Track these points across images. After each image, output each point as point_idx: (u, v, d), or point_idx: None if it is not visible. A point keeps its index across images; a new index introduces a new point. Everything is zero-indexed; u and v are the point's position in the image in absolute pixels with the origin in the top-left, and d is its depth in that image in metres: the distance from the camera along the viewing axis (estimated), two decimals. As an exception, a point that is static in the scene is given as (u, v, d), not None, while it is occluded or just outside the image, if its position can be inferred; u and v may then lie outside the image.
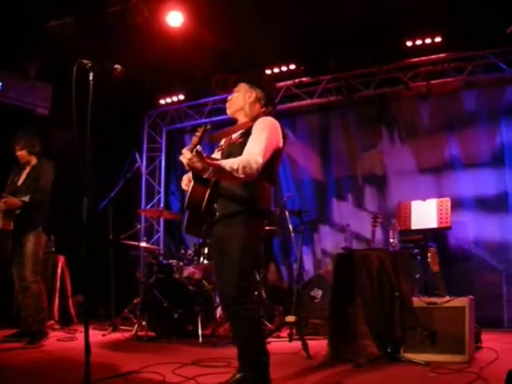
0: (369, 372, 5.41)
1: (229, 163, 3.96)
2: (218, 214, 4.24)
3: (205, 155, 3.92)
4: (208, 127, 3.98)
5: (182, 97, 11.12)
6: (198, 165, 3.88)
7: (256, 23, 8.02)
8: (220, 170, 3.93)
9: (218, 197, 4.22)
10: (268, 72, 9.69)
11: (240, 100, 4.53)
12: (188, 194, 4.18)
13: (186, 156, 3.88)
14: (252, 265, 4.33)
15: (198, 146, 3.85)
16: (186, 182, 4.37)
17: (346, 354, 5.87)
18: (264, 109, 4.52)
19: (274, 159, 4.31)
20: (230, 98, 4.62)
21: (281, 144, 4.35)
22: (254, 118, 4.41)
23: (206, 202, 4.11)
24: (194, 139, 3.89)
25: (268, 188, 4.38)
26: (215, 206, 4.23)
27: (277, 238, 9.58)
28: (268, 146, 4.15)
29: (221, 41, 8.21)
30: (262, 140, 4.15)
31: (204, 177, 3.95)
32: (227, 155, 4.29)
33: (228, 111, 4.63)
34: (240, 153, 4.14)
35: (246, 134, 4.30)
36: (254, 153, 4.07)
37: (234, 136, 4.46)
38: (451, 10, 7.83)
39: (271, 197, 4.44)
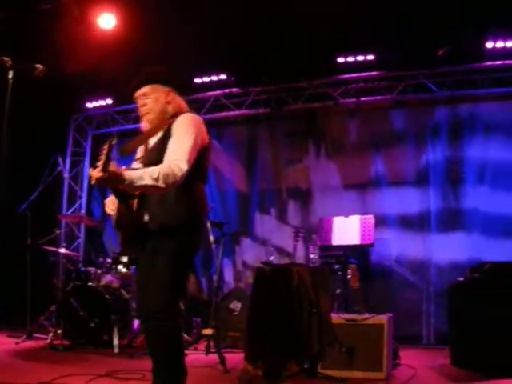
0: (286, 387, 5.38)
1: (148, 173, 3.61)
2: (149, 225, 3.88)
3: (123, 168, 3.62)
4: (114, 142, 3.57)
5: (110, 101, 10.89)
6: (112, 183, 3.61)
7: (189, 31, 7.91)
8: (139, 182, 3.58)
9: (148, 208, 3.90)
10: (198, 81, 9.58)
11: (157, 102, 4.11)
12: (114, 214, 3.90)
13: (94, 177, 3.52)
14: (181, 279, 4.09)
15: (111, 162, 3.47)
16: (111, 206, 3.99)
17: (263, 369, 5.77)
18: (180, 102, 4.17)
19: (203, 157, 3.96)
20: (141, 104, 4.14)
21: (207, 139, 4.01)
22: (172, 117, 4.04)
23: (135, 218, 3.87)
24: (101, 157, 3.50)
25: (201, 190, 4.03)
26: (146, 218, 3.90)
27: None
28: (193, 148, 3.81)
29: (152, 46, 8.06)
30: (184, 142, 3.82)
31: (120, 190, 3.66)
32: (149, 165, 3.85)
33: (148, 117, 4.12)
34: (161, 160, 3.80)
35: (165, 137, 3.96)
36: (177, 159, 3.73)
37: (152, 142, 4.11)
38: (385, 30, 7.89)
39: (206, 198, 4.10)
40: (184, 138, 3.84)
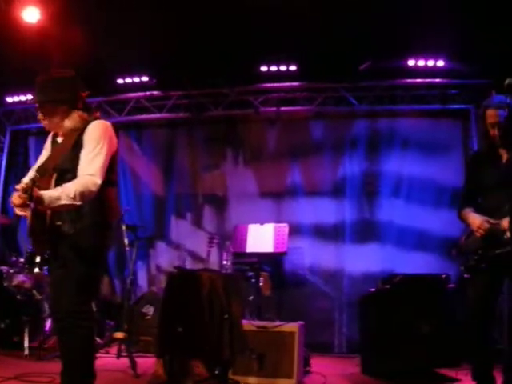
0: (196, 393, 5.35)
1: (65, 193, 3.66)
2: (62, 229, 3.90)
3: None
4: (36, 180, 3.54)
5: (30, 97, 10.57)
6: (32, 207, 3.64)
7: (114, 30, 7.77)
8: (57, 203, 3.63)
9: (60, 212, 3.88)
10: (120, 81, 9.42)
11: (56, 121, 4.12)
12: (28, 220, 3.86)
13: (15, 203, 3.63)
14: (93, 280, 4.12)
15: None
16: (20, 206, 3.80)
17: (174, 375, 5.74)
18: (79, 113, 4.12)
19: (113, 164, 4.07)
20: (45, 123, 4.18)
21: (115, 144, 4.11)
22: (79, 127, 4.06)
23: (48, 224, 3.85)
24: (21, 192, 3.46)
25: (113, 193, 4.14)
26: (58, 222, 3.90)
27: (112, 251, 9.30)
28: (105, 160, 3.92)
29: (76, 43, 7.90)
30: (97, 155, 3.89)
31: (38, 209, 3.68)
32: (61, 172, 3.91)
33: (58, 132, 4.22)
34: (74, 168, 3.87)
35: (77, 145, 3.98)
36: (91, 173, 3.81)
37: (62, 148, 4.10)
38: (308, 41, 7.95)
39: (118, 201, 4.25)
40: (96, 150, 3.92)
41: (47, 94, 4.15)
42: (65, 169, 3.91)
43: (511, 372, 4.63)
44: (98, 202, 3.95)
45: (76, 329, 3.85)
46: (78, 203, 3.71)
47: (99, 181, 3.82)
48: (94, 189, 3.78)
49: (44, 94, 4.16)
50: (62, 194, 3.65)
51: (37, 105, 4.18)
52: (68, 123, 4.11)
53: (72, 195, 3.66)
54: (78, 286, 3.86)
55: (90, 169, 3.84)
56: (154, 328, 7.13)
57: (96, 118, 4.18)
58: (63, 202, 3.64)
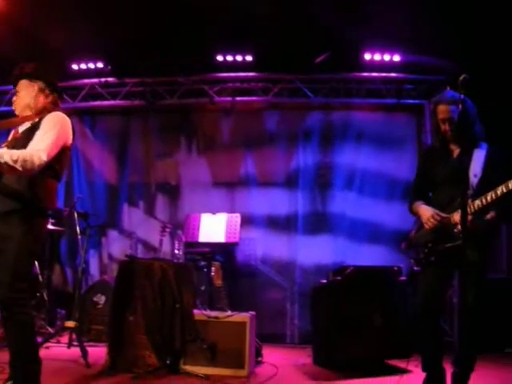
0: (146, 383, 5.33)
1: (9, 153, 3.77)
2: None
3: None
4: None
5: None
6: None
7: (69, 16, 7.65)
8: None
9: None
10: (75, 67, 9.27)
11: (24, 98, 4.34)
12: None
13: None
14: (29, 266, 4.14)
15: None
16: None
17: (125, 364, 5.74)
18: (50, 98, 4.36)
19: (62, 156, 4.16)
20: (14, 99, 4.42)
21: (70, 141, 4.24)
22: (41, 111, 4.24)
23: None
24: None
25: (53, 185, 4.21)
26: None
27: (64, 239, 9.21)
28: (55, 144, 4.02)
29: (32, 28, 7.77)
30: (49, 136, 4.02)
31: None
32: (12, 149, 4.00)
33: (16, 112, 4.39)
34: (25, 147, 3.97)
35: (33, 128, 4.14)
36: (39, 149, 3.93)
37: (21, 130, 4.25)
38: (265, 32, 7.94)
39: (56, 195, 4.28)
40: (49, 132, 4.06)
41: (31, 68, 4.39)
42: (18, 148, 3.96)
43: (460, 363, 4.69)
44: (36, 187, 4.03)
45: (15, 316, 3.90)
46: (19, 168, 3.78)
47: (45, 157, 3.92)
48: (37, 162, 3.86)
49: (28, 67, 4.38)
50: (6, 153, 3.76)
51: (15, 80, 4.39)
52: (34, 104, 4.29)
53: (15, 158, 3.75)
54: (11, 273, 3.90)
55: (39, 145, 3.97)
56: (105, 317, 7.12)
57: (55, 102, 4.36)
58: (4, 159, 3.72)
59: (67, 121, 4.25)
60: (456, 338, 5.26)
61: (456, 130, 4.68)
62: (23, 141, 4.07)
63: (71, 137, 4.27)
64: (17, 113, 4.37)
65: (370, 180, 9.09)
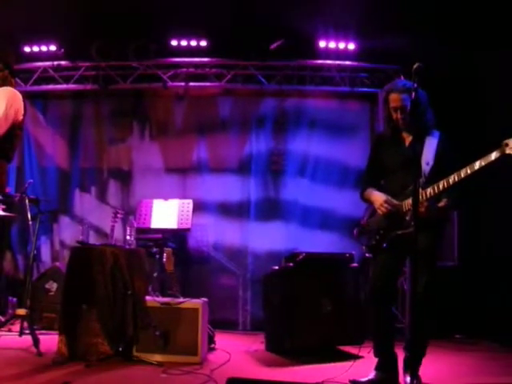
0: (100, 371, 5.33)
1: None
2: None
3: None
4: None
5: None
6: None
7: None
8: None
9: None
10: (27, 50, 9.10)
11: None
12: None
13: None
14: None
15: None
16: None
17: (77, 352, 5.71)
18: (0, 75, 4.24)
19: (12, 134, 4.05)
20: None
21: (20, 117, 4.11)
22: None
23: None
24: None
25: (2, 166, 4.09)
26: None
27: (15, 225, 9.07)
28: (3, 116, 3.93)
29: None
30: None
31: None
32: None
33: None
34: None
35: None
36: None
37: None
38: (220, 17, 7.93)
39: (5, 176, 4.15)
40: None
41: None
42: None
43: (412, 349, 4.78)
44: None
45: None
46: None
47: None
48: None
49: None
50: None
51: None
52: None
53: None
54: None
55: None
56: (57, 304, 7.02)
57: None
58: None
59: (17, 95, 4.16)
60: (407, 324, 5.33)
61: (408, 119, 4.75)
62: None
63: (22, 112, 4.16)
64: None
65: (322, 167, 9.16)
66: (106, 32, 8.51)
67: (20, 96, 4.16)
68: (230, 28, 8.19)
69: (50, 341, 6.14)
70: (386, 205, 4.81)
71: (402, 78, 5.22)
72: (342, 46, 8.72)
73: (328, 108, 9.36)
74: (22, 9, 7.67)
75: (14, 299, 7.93)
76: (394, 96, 4.86)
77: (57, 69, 9.36)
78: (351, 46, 8.74)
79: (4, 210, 7.43)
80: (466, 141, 6.20)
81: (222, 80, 9.23)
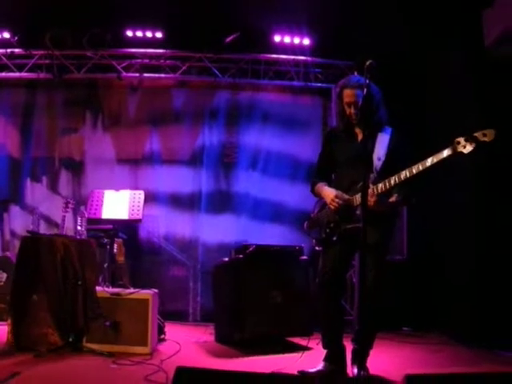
0: (50, 362, 5.34)
1: None
2: None
3: None
4: None
5: None
6: None
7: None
8: None
9: None
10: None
11: None
12: None
13: None
14: None
15: None
16: None
17: (27, 342, 5.70)
18: None
19: None
20: None
21: None
22: None
23: None
24: None
25: None
26: None
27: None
28: None
29: None
30: None
31: None
32: None
33: None
34: None
35: None
36: None
37: None
38: (175, 9, 7.94)
39: None
40: None
41: None
42: None
43: (360, 341, 4.88)
44: None
45: None
46: None
47: None
48: None
49: None
50: None
51: None
52: None
53: None
54: None
55: None
56: (6, 295, 6.97)
57: None
58: None
59: None
60: (355, 316, 5.43)
61: (360, 114, 4.82)
62: None
63: None
64: None
65: (274, 160, 9.26)
66: (61, 20, 8.43)
67: None
68: (186, 20, 8.21)
69: (0, 331, 6.13)
70: (336, 200, 4.88)
71: (356, 73, 5.29)
72: (296, 40, 8.79)
73: (281, 102, 9.45)
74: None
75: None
76: (347, 91, 4.93)
77: (10, 56, 9.22)
78: (306, 41, 8.82)
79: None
80: (416, 137, 6.30)
81: (176, 72, 9.24)
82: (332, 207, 4.93)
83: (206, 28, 8.34)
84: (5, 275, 7.60)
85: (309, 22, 8.34)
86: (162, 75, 9.34)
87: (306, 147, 9.09)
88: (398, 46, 7.93)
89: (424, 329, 7.75)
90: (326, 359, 4.99)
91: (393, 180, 4.55)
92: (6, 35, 8.92)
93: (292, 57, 9.06)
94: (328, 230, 5.01)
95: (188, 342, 6.66)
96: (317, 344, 5.69)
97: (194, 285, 8.90)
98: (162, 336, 6.62)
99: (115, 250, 6.84)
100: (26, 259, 6.06)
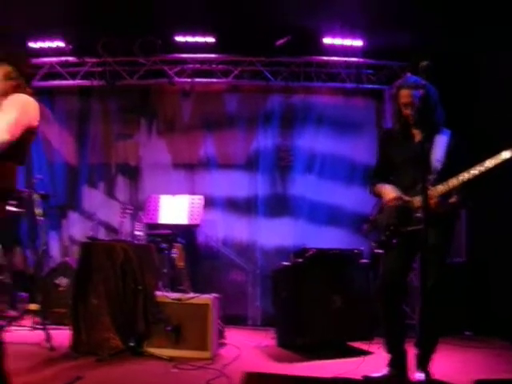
0: (111, 366, 5.40)
1: None
2: None
3: None
4: None
5: None
6: None
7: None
8: None
9: None
10: (34, 46, 9.07)
11: None
12: None
13: None
14: None
15: None
16: None
17: (89, 347, 5.77)
18: (15, 82, 4.24)
19: (25, 138, 4.09)
20: None
21: (35, 123, 4.15)
22: (6, 94, 4.14)
23: None
24: None
25: (12, 168, 4.13)
26: None
27: (24, 221, 9.09)
28: (17, 124, 3.93)
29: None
30: (10, 117, 3.94)
31: None
32: None
33: None
34: None
35: None
36: (1, 129, 3.87)
37: None
38: (226, 13, 7.96)
39: (16, 177, 4.19)
40: (12, 113, 3.96)
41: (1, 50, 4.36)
42: None
43: (422, 345, 4.82)
44: None
45: None
46: None
47: (6, 136, 3.87)
48: None
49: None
50: None
51: None
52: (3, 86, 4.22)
53: None
54: None
55: (1, 125, 3.89)
56: (67, 299, 7.06)
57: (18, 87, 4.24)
58: None
59: (31, 102, 4.16)
60: (417, 320, 5.36)
61: (418, 115, 4.77)
62: None
63: (37, 118, 4.19)
64: None
65: (329, 163, 9.20)
66: (113, 28, 8.52)
67: (34, 102, 4.19)
68: (237, 24, 8.22)
69: (61, 335, 6.21)
70: (396, 200, 4.84)
71: (409, 74, 5.24)
72: (348, 42, 8.71)
73: (334, 104, 9.39)
74: (30, 5, 7.69)
75: (24, 294, 7.97)
76: (404, 92, 4.88)
77: (64, 65, 9.39)
78: (357, 43, 8.73)
79: (13, 206, 7.50)
80: (474, 139, 6.21)
81: (228, 76, 9.26)
82: (390, 204, 4.88)
83: (256, 32, 8.32)
84: (65, 280, 7.67)
85: (360, 24, 8.27)
86: (214, 80, 9.38)
87: (360, 149, 9.04)
88: (450, 46, 7.83)
89: (485, 333, 7.60)
90: (390, 364, 4.94)
91: (451, 182, 4.51)
92: (60, 44, 9.05)
93: (344, 58, 8.98)
94: (388, 233, 4.96)
95: (248, 347, 6.65)
96: (377, 348, 5.65)
97: (252, 289, 8.86)
98: (222, 340, 6.62)
99: (175, 255, 6.86)
100: (86, 264, 6.14)
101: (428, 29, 7.70)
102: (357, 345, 6.61)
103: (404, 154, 4.96)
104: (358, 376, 4.87)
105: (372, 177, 5.33)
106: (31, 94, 4.27)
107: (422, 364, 4.73)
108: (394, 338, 4.98)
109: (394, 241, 4.90)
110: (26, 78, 4.39)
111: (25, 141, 4.11)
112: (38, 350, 5.88)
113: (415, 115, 4.82)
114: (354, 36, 8.65)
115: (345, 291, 6.57)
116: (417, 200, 4.69)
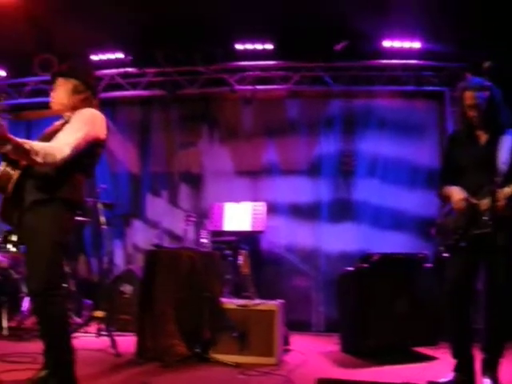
0: (177, 372, 5.42)
1: (33, 144, 3.79)
2: (26, 200, 4.02)
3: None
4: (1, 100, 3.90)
5: (3, 73, 10.30)
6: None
7: (88, 8, 7.68)
8: (20, 147, 3.70)
9: (29, 182, 4.03)
10: (95, 58, 9.26)
11: (59, 95, 4.37)
12: None
13: None
14: (59, 257, 4.14)
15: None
16: None
17: (155, 353, 5.80)
18: (83, 96, 4.35)
19: (93, 151, 4.18)
20: (52, 95, 4.46)
21: (102, 136, 4.24)
22: (74, 108, 4.27)
23: (14, 185, 3.98)
24: None
25: (81, 180, 4.22)
26: (24, 191, 4.03)
27: (88, 229, 9.25)
28: (82, 138, 4.01)
29: (49, 18, 7.81)
30: (75, 131, 4.03)
31: (2, 152, 3.74)
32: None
33: (52, 108, 4.46)
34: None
35: (65, 124, 4.18)
36: (64, 143, 3.94)
37: (54, 125, 4.32)
38: (284, 20, 7.97)
39: (84, 189, 4.28)
40: (77, 127, 4.07)
41: (67, 66, 4.51)
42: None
43: (490, 350, 4.72)
44: (64, 181, 4.07)
45: (48, 306, 3.94)
46: (40, 160, 3.79)
47: (67, 151, 3.92)
48: (58, 156, 3.87)
49: (65, 65, 4.54)
50: (30, 143, 3.79)
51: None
52: (68, 101, 4.33)
53: (37, 149, 3.77)
54: (42, 264, 3.94)
55: (63, 140, 3.98)
56: (132, 306, 7.17)
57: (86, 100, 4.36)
58: (27, 146, 3.71)
59: (98, 116, 4.25)
60: (484, 324, 5.25)
61: (483, 117, 4.69)
62: (53, 135, 4.08)
63: (104, 132, 4.27)
64: (53, 109, 4.43)
65: (392, 167, 9.10)
66: (172, 38, 8.63)
67: (101, 116, 4.27)
68: (295, 30, 8.22)
69: (126, 342, 6.29)
70: (464, 201, 4.75)
71: (469, 75, 5.16)
72: (406, 45, 8.64)
73: (395, 108, 9.31)
74: (87, 18, 7.82)
75: (89, 301, 8.08)
76: (468, 94, 4.80)
77: (124, 76, 9.56)
78: (416, 45, 8.65)
79: (78, 215, 7.63)
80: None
81: (288, 82, 9.28)
82: (457, 206, 4.80)
83: (315, 37, 8.30)
84: (129, 288, 7.75)
85: (418, 26, 8.19)
86: (275, 86, 9.40)
87: (423, 153, 8.94)
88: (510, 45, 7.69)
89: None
90: (456, 369, 4.84)
91: None
92: (120, 56, 9.20)
93: (403, 61, 8.91)
94: (456, 236, 4.87)
95: (313, 352, 6.63)
96: (443, 353, 5.57)
97: (316, 295, 8.84)
98: (287, 346, 6.60)
99: (241, 262, 6.89)
100: (151, 272, 6.19)
101: (488, 28, 7.57)
102: (422, 350, 6.53)
103: (469, 157, 4.87)
104: (423, 382, 4.78)
105: (439, 180, 5.26)
106: (98, 106, 4.35)
107: (490, 369, 4.63)
108: (461, 343, 4.88)
109: (463, 244, 4.81)
110: (92, 90, 4.47)
111: (94, 154, 4.19)
112: (104, 356, 5.94)
113: (480, 117, 4.74)
114: (412, 38, 8.57)
115: (409, 296, 6.48)
116: (483, 203, 4.60)
